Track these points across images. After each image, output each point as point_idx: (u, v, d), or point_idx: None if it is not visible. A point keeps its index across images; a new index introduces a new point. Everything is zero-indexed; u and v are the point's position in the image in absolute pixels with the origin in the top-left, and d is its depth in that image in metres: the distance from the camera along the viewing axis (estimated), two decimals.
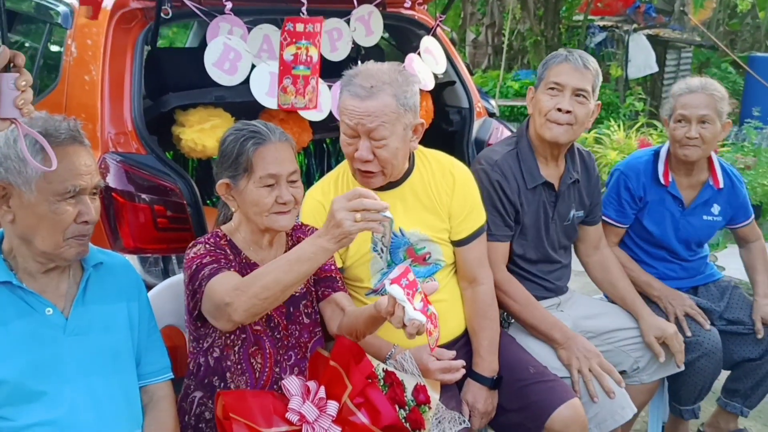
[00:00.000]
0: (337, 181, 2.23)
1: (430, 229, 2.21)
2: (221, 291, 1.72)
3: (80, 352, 1.66)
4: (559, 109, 2.36)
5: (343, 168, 2.26)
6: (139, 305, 1.82)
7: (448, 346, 2.24)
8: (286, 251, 1.97)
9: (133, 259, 2.24)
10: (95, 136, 2.32)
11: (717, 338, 2.63)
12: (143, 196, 2.27)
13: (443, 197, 2.22)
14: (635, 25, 10.05)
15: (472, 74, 4.20)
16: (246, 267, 1.91)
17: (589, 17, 10.10)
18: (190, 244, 1.88)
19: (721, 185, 2.73)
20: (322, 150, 3.50)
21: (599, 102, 2.48)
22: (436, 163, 2.27)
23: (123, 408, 1.72)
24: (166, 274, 2.31)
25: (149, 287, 2.03)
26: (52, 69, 2.76)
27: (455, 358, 2.25)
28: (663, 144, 2.81)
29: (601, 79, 2.46)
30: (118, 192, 2.26)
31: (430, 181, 2.22)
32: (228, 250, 1.89)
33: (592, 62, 2.42)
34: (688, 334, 2.60)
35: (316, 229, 2.03)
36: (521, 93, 9.06)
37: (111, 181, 2.25)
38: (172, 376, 1.87)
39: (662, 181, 2.72)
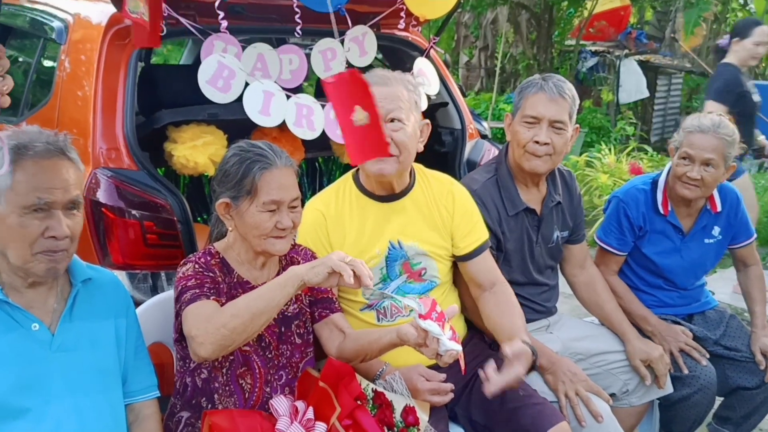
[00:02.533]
0: (338, 192, 2.24)
1: (428, 244, 2.22)
2: (191, 322, 1.72)
3: (66, 369, 1.64)
4: (537, 142, 2.37)
5: (344, 180, 2.28)
6: (127, 322, 1.80)
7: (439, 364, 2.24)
8: (278, 273, 1.97)
9: (121, 275, 2.23)
10: (86, 151, 2.31)
11: (713, 374, 2.61)
12: (133, 211, 2.26)
13: (444, 214, 2.24)
14: (626, 51, 10.16)
15: (464, 96, 4.22)
16: (238, 286, 1.90)
17: (581, 42, 10.20)
18: (182, 262, 1.87)
19: (719, 209, 2.72)
20: (314, 169, 3.51)
21: (577, 125, 2.49)
22: (435, 181, 2.30)
23: (109, 426, 1.69)
24: (155, 290, 2.30)
25: (137, 304, 2.02)
26: (45, 84, 2.75)
27: (447, 377, 2.25)
28: (659, 172, 2.78)
29: (578, 103, 2.45)
30: (108, 207, 2.25)
31: (431, 198, 2.25)
32: (218, 271, 1.87)
33: (568, 89, 2.41)
34: (685, 371, 2.59)
35: (311, 252, 2.05)
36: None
37: (101, 196, 2.24)
38: (159, 394, 1.85)
39: (661, 210, 2.70)
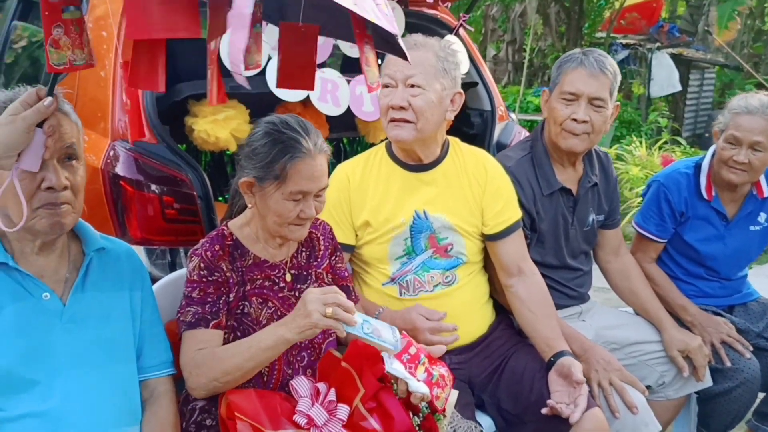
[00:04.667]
0: (369, 157, 2.21)
1: (456, 218, 2.15)
2: (186, 357, 1.72)
3: (76, 341, 1.57)
4: (575, 119, 2.27)
5: (378, 147, 2.24)
6: (142, 295, 1.73)
7: (465, 349, 2.17)
8: (297, 250, 1.90)
9: (139, 251, 2.17)
10: (106, 123, 2.24)
11: (756, 367, 2.49)
12: (152, 185, 2.19)
13: (475, 189, 2.18)
14: (658, 44, 9.95)
15: None
16: (254, 268, 1.82)
17: (612, 35, 10.01)
18: (190, 253, 1.79)
19: (766, 194, 2.58)
20: (338, 150, 3.42)
21: (617, 103, 2.38)
22: (469, 155, 2.23)
23: (120, 401, 1.62)
24: (173, 267, 2.23)
25: (155, 280, 1.96)
26: None
27: (474, 363, 2.16)
28: (702, 156, 2.66)
29: (619, 79, 2.34)
30: (127, 180, 2.18)
31: (463, 171, 2.19)
32: (227, 261, 1.79)
33: (610, 64, 2.30)
34: (727, 363, 2.47)
35: (329, 227, 1.98)
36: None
37: (120, 169, 2.18)
38: (175, 372, 1.78)
39: (705, 195, 2.57)
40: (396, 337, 1.70)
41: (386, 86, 2.09)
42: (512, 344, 2.25)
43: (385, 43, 1.43)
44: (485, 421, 2.13)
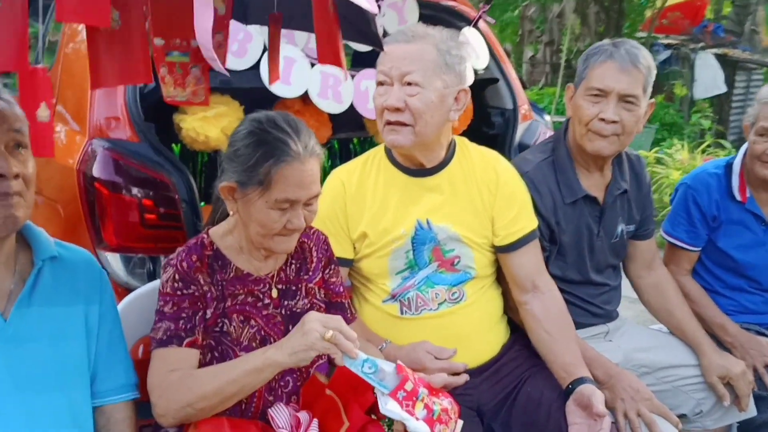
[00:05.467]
0: (366, 161, 2.01)
1: (463, 228, 1.93)
2: (155, 379, 1.52)
3: (17, 362, 1.39)
4: (603, 119, 2.03)
5: (376, 150, 2.04)
6: (101, 309, 1.54)
7: (474, 372, 1.96)
8: (286, 262, 1.71)
9: (116, 259, 2.00)
10: (84, 119, 2.07)
11: None
12: (131, 188, 2.01)
13: (485, 195, 1.96)
14: (702, 44, 9.55)
15: (525, 88, 3.86)
16: (236, 281, 1.63)
17: (653, 35, 9.64)
18: (164, 262, 1.61)
19: None
20: (348, 151, 3.20)
21: (652, 101, 2.12)
22: (478, 156, 2.02)
23: (68, 430, 1.43)
24: (152, 276, 2.05)
25: (133, 290, 1.78)
26: (52, 48, 2.55)
27: (483, 388, 1.94)
28: (734, 156, 2.41)
29: (654, 73, 2.08)
30: (102, 182, 2.01)
31: (471, 175, 1.97)
32: (205, 274, 1.60)
33: (643, 57, 2.04)
34: None
35: (323, 236, 1.78)
36: None
37: (96, 170, 2.01)
38: (136, 396, 1.58)
39: (738, 197, 2.32)
40: (393, 369, 1.52)
41: (381, 84, 1.88)
42: (527, 367, 2.02)
43: (356, 32, 1.23)
44: None
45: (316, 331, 1.42)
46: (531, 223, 2.00)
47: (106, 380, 1.53)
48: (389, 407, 1.48)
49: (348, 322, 1.73)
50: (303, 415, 1.58)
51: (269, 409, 1.58)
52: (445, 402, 1.59)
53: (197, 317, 1.57)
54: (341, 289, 1.80)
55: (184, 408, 1.48)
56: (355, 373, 1.47)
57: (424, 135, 1.87)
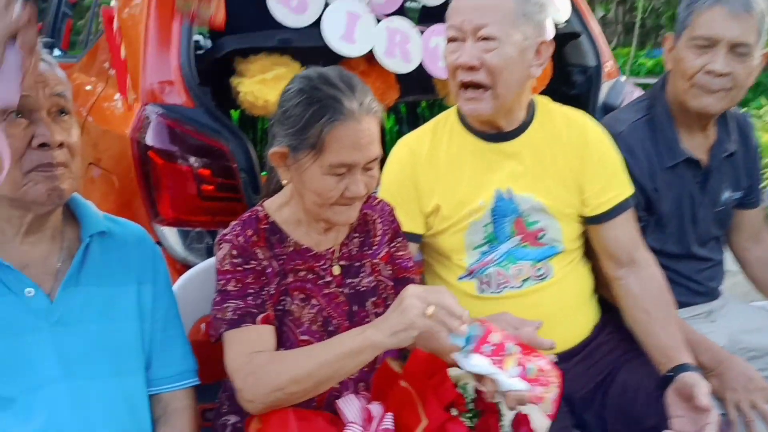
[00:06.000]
0: (437, 126, 1.83)
1: (548, 198, 1.75)
2: (235, 363, 1.38)
3: (66, 347, 1.27)
4: (711, 72, 1.80)
5: (447, 113, 1.85)
6: (155, 289, 1.41)
7: (563, 357, 1.73)
8: (347, 236, 1.55)
9: (173, 233, 1.87)
10: (136, 84, 1.94)
11: None
12: (187, 157, 1.87)
13: (572, 161, 1.76)
14: None
15: None
16: (295, 256, 1.48)
17: None
18: (218, 239, 1.47)
19: None
20: (415, 115, 3.00)
21: (766, 50, 1.86)
22: (562, 118, 1.81)
23: (123, 422, 1.31)
24: (211, 251, 1.91)
25: (191, 266, 1.67)
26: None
27: (574, 374, 1.76)
28: None
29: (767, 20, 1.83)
30: (157, 151, 1.87)
31: (555, 139, 1.77)
32: (264, 248, 1.46)
33: (755, 1, 1.80)
34: None
35: (389, 207, 1.61)
36: (655, 71, 8.22)
37: (149, 138, 1.87)
38: (196, 382, 1.45)
39: None
40: (480, 328, 1.31)
41: (452, 40, 1.68)
42: (622, 352, 1.84)
43: None
44: None
45: (416, 307, 1.26)
46: (625, 189, 1.79)
47: (163, 366, 1.40)
48: (474, 362, 1.28)
49: None
50: (375, 408, 1.42)
51: (338, 401, 1.43)
52: (541, 362, 1.36)
53: (264, 293, 1.43)
54: (410, 264, 1.63)
55: (274, 392, 1.34)
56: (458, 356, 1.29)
57: (505, 97, 1.67)
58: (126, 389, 1.32)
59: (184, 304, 1.55)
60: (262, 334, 1.40)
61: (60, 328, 1.27)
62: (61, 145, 1.23)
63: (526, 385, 1.28)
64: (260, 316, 1.40)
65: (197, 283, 1.63)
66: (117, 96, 2.12)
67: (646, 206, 1.90)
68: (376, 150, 1.41)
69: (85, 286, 1.31)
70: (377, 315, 1.52)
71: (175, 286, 1.60)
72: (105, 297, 1.33)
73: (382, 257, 1.59)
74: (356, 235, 1.57)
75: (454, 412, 1.42)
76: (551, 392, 1.32)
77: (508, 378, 1.27)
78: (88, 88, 2.32)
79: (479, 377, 1.33)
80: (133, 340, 1.35)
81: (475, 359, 1.27)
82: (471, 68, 1.64)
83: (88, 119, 2.20)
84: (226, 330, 1.39)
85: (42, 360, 1.24)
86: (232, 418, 1.50)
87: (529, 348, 1.39)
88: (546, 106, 1.83)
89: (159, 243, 1.88)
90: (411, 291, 1.29)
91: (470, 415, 1.44)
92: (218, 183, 1.89)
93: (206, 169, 1.88)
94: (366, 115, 1.38)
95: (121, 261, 1.38)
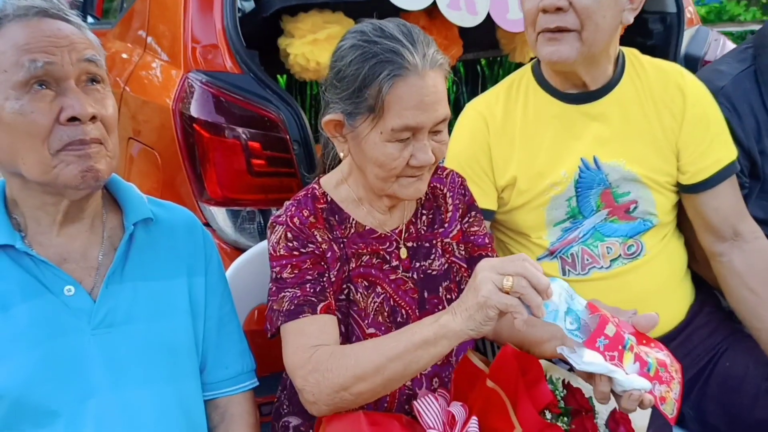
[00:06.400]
0: (511, 88, 1.65)
1: (640, 165, 1.58)
2: (293, 358, 1.22)
3: (111, 352, 1.13)
4: None
5: (521, 73, 1.68)
6: (207, 281, 1.27)
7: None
8: (415, 213, 1.39)
9: (222, 214, 1.72)
10: (177, 50, 1.77)
11: None
12: (234, 128, 1.71)
13: (667, 121, 1.59)
14: None
15: None
16: (357, 238, 1.32)
17: None
18: (270, 221, 1.31)
19: None
20: (475, 74, 2.78)
21: None
22: (656, 72, 1.62)
23: (180, 429, 1.17)
24: (263, 232, 1.77)
25: (243, 250, 1.52)
26: None
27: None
28: None
29: None
30: (202, 123, 1.71)
31: (647, 97, 1.60)
32: (321, 229, 1.29)
33: None
34: None
35: (459, 178, 1.44)
36: (708, 19, 7.73)
37: (194, 108, 1.71)
38: (254, 385, 1.31)
39: None
40: (584, 309, 1.12)
41: None
42: (723, 336, 1.69)
43: None
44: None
45: (490, 282, 1.06)
46: (729, 153, 1.61)
47: (219, 368, 1.26)
48: (587, 360, 1.09)
49: None
50: (457, 410, 1.26)
51: (415, 402, 1.27)
52: (661, 355, 1.18)
53: (324, 279, 1.27)
54: (485, 240, 1.45)
55: (339, 392, 1.18)
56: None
57: (593, 44, 1.48)
58: (180, 395, 1.19)
59: (236, 292, 1.41)
60: (324, 325, 1.24)
61: (105, 330, 1.13)
62: (93, 118, 1.07)
63: (648, 383, 1.09)
64: (321, 305, 1.24)
65: (251, 268, 1.49)
66: (156, 63, 1.96)
67: (750, 171, 1.74)
68: (444, 110, 1.22)
69: (131, 282, 1.17)
70: (450, 302, 1.36)
71: (227, 273, 1.45)
72: (153, 293, 1.19)
73: (455, 236, 1.42)
74: (424, 212, 1.40)
75: (547, 415, 1.25)
76: (674, 390, 1.14)
77: (626, 375, 1.08)
78: (125, 56, 2.16)
79: (589, 375, 1.15)
80: (186, 339, 1.21)
81: (588, 355, 1.08)
82: (558, 9, 1.45)
83: (125, 90, 2.04)
84: (284, 322, 1.23)
85: (87, 367, 1.11)
86: (294, 420, 1.37)
87: (643, 336, 1.20)
88: (636, 58, 1.64)
89: (207, 224, 1.73)
90: (484, 264, 1.10)
91: (563, 416, 1.28)
92: (270, 157, 1.73)
93: (256, 142, 1.71)
94: (431, 69, 1.19)
95: (169, 251, 1.23)
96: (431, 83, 1.19)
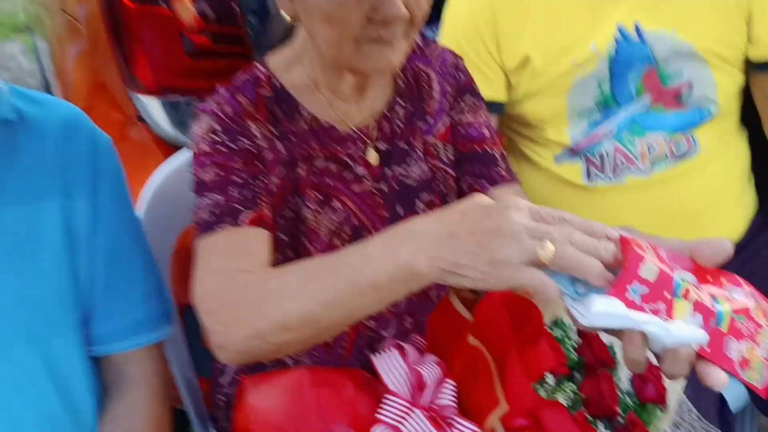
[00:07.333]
0: None
1: (698, 34, 1.26)
2: (202, 287, 0.87)
3: None
4: None
5: None
6: (97, 203, 0.95)
7: None
8: (388, 105, 1.05)
9: (155, 105, 1.41)
10: None
11: None
12: None
13: None
14: None
15: None
16: (310, 135, 0.99)
17: None
18: (193, 112, 0.99)
19: None
20: None
21: None
22: None
23: (49, 402, 0.91)
24: None
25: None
26: None
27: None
28: None
29: None
30: None
31: None
32: (261, 123, 0.96)
33: None
34: None
35: (452, 55, 1.11)
36: None
37: None
38: (163, 336, 1.01)
39: None
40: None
41: None
42: None
43: None
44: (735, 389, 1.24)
45: (521, 241, 0.65)
46: None
47: (112, 316, 0.96)
48: (598, 308, 0.68)
49: (504, 180, 1.07)
50: (429, 371, 0.95)
51: (375, 358, 0.96)
52: (738, 294, 0.74)
53: (257, 183, 0.94)
54: (486, 133, 1.09)
55: (254, 340, 0.83)
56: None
57: None
58: (47, 357, 0.90)
59: (161, 214, 1.11)
60: (249, 242, 0.90)
61: None
62: None
63: (705, 335, 0.69)
64: (247, 215, 0.91)
65: (180, 180, 1.17)
66: None
67: None
68: None
69: None
70: None
71: (154, 180, 1.16)
72: (11, 221, 0.88)
73: (441, 134, 1.08)
74: (402, 102, 1.06)
75: (549, 379, 0.93)
76: (763, 345, 0.74)
77: (669, 328, 0.68)
78: None
79: (615, 332, 0.78)
80: (56, 283, 0.91)
81: (600, 303, 0.67)
82: None
83: None
84: (199, 237, 0.91)
85: None
86: (231, 369, 1.09)
87: (707, 271, 0.78)
88: None
89: (140, 118, 1.42)
90: (514, 201, 0.69)
91: (574, 373, 0.96)
92: (215, 33, 1.39)
93: (198, 15, 1.36)
94: None
95: (36, 163, 0.91)
96: None
